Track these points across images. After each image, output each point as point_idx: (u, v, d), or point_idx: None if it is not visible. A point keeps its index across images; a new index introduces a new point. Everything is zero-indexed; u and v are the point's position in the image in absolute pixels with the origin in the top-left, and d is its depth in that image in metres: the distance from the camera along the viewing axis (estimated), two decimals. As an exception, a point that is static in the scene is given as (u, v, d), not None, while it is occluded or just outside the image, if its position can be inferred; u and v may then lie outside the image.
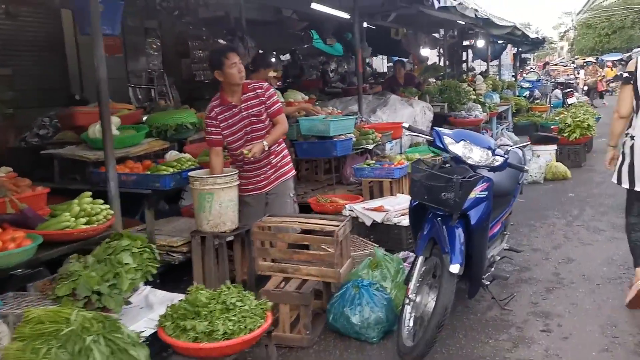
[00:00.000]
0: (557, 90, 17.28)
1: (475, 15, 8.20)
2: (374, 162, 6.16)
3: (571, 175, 8.22)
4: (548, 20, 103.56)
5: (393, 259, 3.93)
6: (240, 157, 4.02)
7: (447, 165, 3.54)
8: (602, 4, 43.48)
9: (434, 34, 15.95)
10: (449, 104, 9.99)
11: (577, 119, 9.04)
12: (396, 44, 12.68)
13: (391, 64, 19.51)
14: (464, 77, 14.32)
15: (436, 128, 3.66)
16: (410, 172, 4.50)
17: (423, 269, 3.37)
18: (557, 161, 8.74)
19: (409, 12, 9.47)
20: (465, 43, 15.21)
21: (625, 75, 3.71)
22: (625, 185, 3.78)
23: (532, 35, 13.96)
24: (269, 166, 4.17)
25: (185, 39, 10.21)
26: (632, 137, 3.70)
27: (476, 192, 3.32)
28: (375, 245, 4.47)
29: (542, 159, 8.14)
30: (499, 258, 4.07)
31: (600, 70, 22.05)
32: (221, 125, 4.06)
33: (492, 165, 3.51)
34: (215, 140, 4.08)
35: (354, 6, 7.49)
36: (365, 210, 4.72)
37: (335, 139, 5.86)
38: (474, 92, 11.19)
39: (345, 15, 7.96)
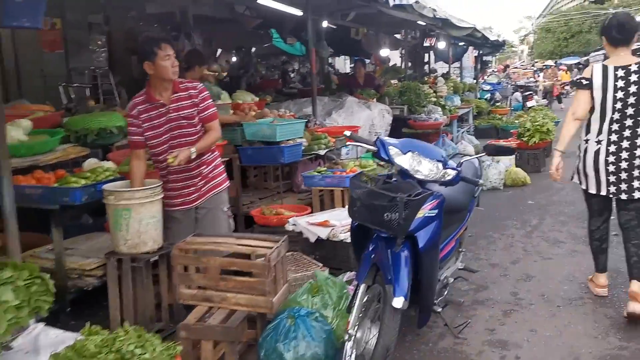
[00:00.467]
0: (517, 93, 17.20)
1: (434, 15, 7.85)
2: (325, 169, 5.71)
3: (531, 181, 7.94)
4: (509, 24, 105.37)
5: (336, 282, 3.49)
6: (164, 164, 3.52)
7: (392, 180, 3.11)
8: (561, 8, 44.18)
9: (395, 35, 15.70)
10: (409, 107, 9.63)
11: (537, 123, 8.80)
12: (357, 44, 12.28)
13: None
14: (426, 79, 14.05)
15: (381, 137, 3.23)
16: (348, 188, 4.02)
17: (366, 297, 2.93)
18: (516, 166, 8.48)
19: (368, 11, 9.07)
20: (427, 44, 14.93)
21: (583, 81, 3.71)
22: (583, 186, 3.93)
23: (493, 38, 13.77)
24: (199, 177, 3.67)
25: (135, 35, 9.60)
26: (587, 141, 3.80)
27: (425, 211, 2.91)
28: (319, 264, 4.02)
29: (501, 165, 7.84)
30: (452, 280, 3.67)
31: (559, 73, 22.11)
32: (144, 125, 3.55)
33: (443, 179, 3.10)
34: (136, 141, 3.58)
35: (307, 3, 7.04)
36: (310, 225, 4.26)
37: (283, 145, 5.39)
38: (434, 94, 10.87)
39: (298, 12, 7.48)
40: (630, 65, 3.55)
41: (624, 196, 3.69)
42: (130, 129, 3.60)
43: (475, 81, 16.85)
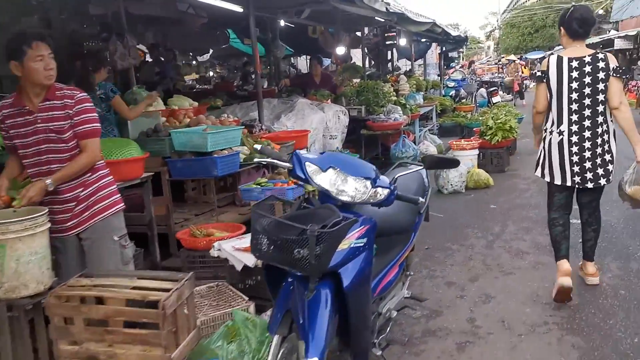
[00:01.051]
0: (482, 89, 16.84)
1: (387, 9, 7.32)
2: (266, 180, 5.12)
3: (494, 182, 7.47)
4: (475, 20, 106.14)
5: (256, 324, 2.90)
6: (36, 179, 2.92)
7: (308, 205, 2.53)
8: (525, 4, 44.33)
9: (357, 33, 15.18)
10: (367, 107, 9.10)
11: (499, 121, 8.35)
12: (315, 43, 11.73)
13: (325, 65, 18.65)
14: (388, 77, 13.56)
15: (297, 151, 2.65)
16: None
17: (281, 351, 2.36)
18: (479, 167, 8.03)
19: (320, 7, 8.54)
20: (389, 42, 14.44)
21: (539, 74, 3.78)
22: (547, 178, 3.88)
23: (454, 33, 13.35)
24: (75, 202, 3.01)
25: (79, 39, 8.92)
26: (551, 132, 3.77)
27: (350, 241, 2.35)
28: (246, 298, 3.43)
29: (462, 166, 7.35)
30: (395, 314, 3.12)
31: (523, 68, 21.83)
32: (10, 132, 2.97)
33: (373, 200, 2.54)
34: (8, 146, 3.07)
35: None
36: (235, 250, 3.67)
37: (216, 155, 4.79)
38: (394, 93, 10.36)
39: (238, 9, 6.88)
40: (584, 56, 3.60)
41: (590, 185, 3.70)
42: (1, 132, 3.02)
43: (439, 78, 16.44)
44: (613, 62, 3.59)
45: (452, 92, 16.19)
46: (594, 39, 30.26)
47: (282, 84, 9.04)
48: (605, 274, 4.21)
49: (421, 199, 2.70)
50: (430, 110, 12.26)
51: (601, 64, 3.57)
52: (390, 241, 3.06)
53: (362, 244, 2.40)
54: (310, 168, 2.50)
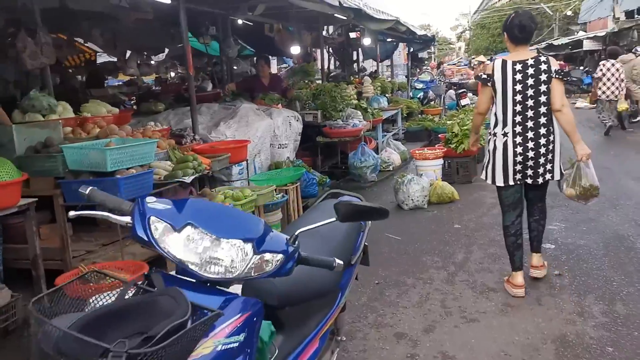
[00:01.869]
0: (451, 90, 16.15)
1: (340, 4, 6.48)
2: (185, 204, 4.22)
3: (459, 197, 6.70)
4: (447, 21, 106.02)
5: None
6: None
7: (152, 287, 1.65)
8: (495, 4, 44.13)
9: (323, 32, 14.35)
10: (324, 112, 8.25)
11: (465, 127, 7.59)
12: (271, 42, 10.85)
13: (284, 65, 17.74)
14: (352, 79, 12.76)
15: (141, 200, 1.76)
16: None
17: None
18: (443, 178, 7.26)
19: (276, 3, 7.72)
20: (353, 37, 13.66)
21: (484, 76, 3.82)
22: (489, 181, 3.99)
23: (420, 32, 12.60)
24: None
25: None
26: (494, 134, 3.85)
27: (216, 341, 1.49)
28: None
29: (424, 179, 6.56)
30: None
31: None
32: None
33: (259, 274, 1.68)
34: None
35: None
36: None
37: (119, 175, 3.88)
38: (354, 96, 9.55)
39: (166, 0, 5.97)
40: (527, 59, 3.69)
41: (529, 180, 3.82)
42: None
43: (406, 79, 15.71)
44: (555, 65, 3.69)
45: (420, 95, 15.46)
46: (563, 40, 30.09)
47: (227, 89, 8.12)
48: (587, 321, 3.44)
49: (338, 261, 1.85)
50: (395, 114, 11.50)
51: (543, 67, 3.67)
52: (305, 309, 2.21)
53: (236, 344, 1.54)
54: (158, 226, 1.63)
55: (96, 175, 3.91)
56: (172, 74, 19.73)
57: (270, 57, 16.42)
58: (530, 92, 3.66)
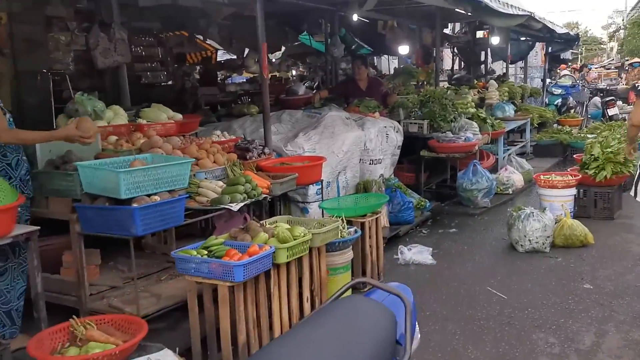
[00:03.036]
0: (596, 98, 13.86)
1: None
2: (222, 241, 3.35)
3: (594, 240, 5.14)
4: (598, 19, 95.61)
5: None
6: None
7: None
8: (658, 0, 38.64)
9: (446, 30, 12.98)
10: (431, 122, 7.02)
11: (609, 150, 5.93)
12: (382, 40, 9.78)
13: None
14: (475, 83, 11.24)
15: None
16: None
17: None
18: (577, 209, 5.74)
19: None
20: (480, 36, 12.12)
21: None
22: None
23: (560, 30, 10.70)
24: None
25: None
26: None
27: None
28: None
29: (548, 215, 5.10)
30: None
31: None
32: None
33: None
34: None
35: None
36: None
37: (136, 205, 3.10)
38: (472, 103, 8.15)
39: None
40: None
41: None
42: None
43: (542, 84, 13.71)
44: None
45: (558, 101, 13.38)
46: None
47: (315, 96, 7.16)
48: None
49: None
50: (523, 125, 9.82)
51: None
52: None
53: None
54: None
55: (114, 200, 3.17)
56: (294, 72, 19.35)
57: (369, 57, 15.29)
58: None
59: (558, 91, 13.68)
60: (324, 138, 5.41)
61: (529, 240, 4.99)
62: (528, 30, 10.22)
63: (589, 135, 9.83)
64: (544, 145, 10.05)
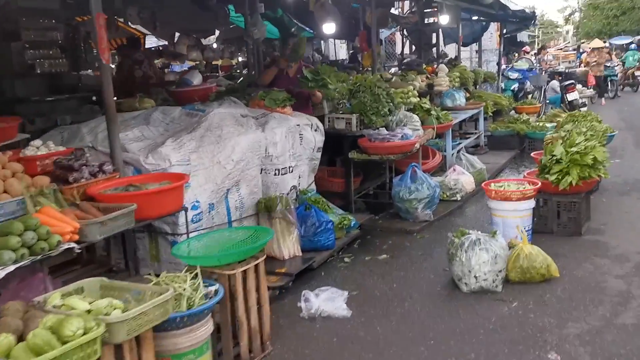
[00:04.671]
0: (554, 81, 12.74)
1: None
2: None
3: (558, 272, 3.86)
4: (554, 2, 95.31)
5: None
6: None
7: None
8: (612, -18, 38.19)
9: (393, 10, 11.62)
10: (361, 116, 5.65)
11: (574, 149, 4.66)
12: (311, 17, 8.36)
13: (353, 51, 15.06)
14: (424, 67, 9.93)
15: None
16: None
17: None
18: (535, 224, 4.47)
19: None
20: (428, 20, 10.80)
21: None
22: None
23: (515, 7, 9.45)
24: None
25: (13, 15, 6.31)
26: None
27: None
28: None
29: (499, 242, 3.78)
30: None
31: (608, 56, 17.01)
32: None
33: None
34: None
35: None
36: None
37: None
38: (413, 92, 6.81)
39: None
40: None
41: None
42: None
43: (497, 68, 12.52)
44: None
45: (515, 86, 12.21)
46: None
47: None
48: None
49: None
50: (475, 115, 8.56)
51: None
52: None
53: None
54: None
55: None
56: (241, 59, 17.56)
57: (314, 41, 13.78)
58: None
59: (514, 75, 12.50)
60: (206, 144, 3.97)
61: (475, 277, 3.68)
62: (479, 7, 8.93)
63: (547, 125, 8.66)
64: (500, 137, 8.81)
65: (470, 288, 3.71)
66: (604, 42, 21.14)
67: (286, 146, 4.60)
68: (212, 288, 2.73)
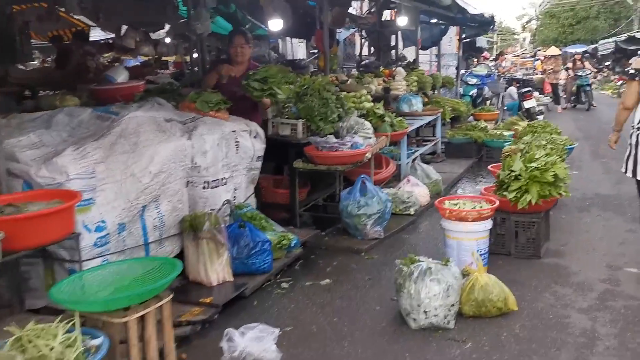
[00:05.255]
0: (512, 87, 12.56)
1: None
2: None
3: (517, 306, 3.43)
4: (513, 10, 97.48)
5: None
6: None
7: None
8: (567, -8, 39.07)
9: (351, 10, 11.18)
10: (308, 122, 5.13)
11: (534, 164, 4.26)
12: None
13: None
14: (380, 71, 9.51)
15: None
16: None
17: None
18: (492, 243, 4.05)
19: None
20: (386, 21, 10.39)
21: (632, 71, 3.85)
22: (629, 174, 3.95)
23: (473, 11, 9.13)
24: None
25: None
26: (639, 129, 3.82)
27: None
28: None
29: (451, 271, 3.32)
30: None
31: (581, 64, 15.91)
32: None
33: None
34: None
35: None
36: None
37: None
38: (367, 97, 6.35)
39: None
40: None
41: None
42: None
43: (457, 73, 12.24)
44: None
45: (473, 92, 11.95)
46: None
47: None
48: None
49: None
50: (433, 121, 8.17)
51: None
52: None
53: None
54: None
55: None
56: (196, 55, 16.67)
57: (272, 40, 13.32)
58: None
59: (473, 81, 12.24)
60: (117, 153, 3.37)
61: (425, 312, 3.20)
62: (437, 10, 8.56)
63: (505, 133, 8.37)
64: (457, 144, 8.47)
65: (419, 324, 3.24)
66: (560, 50, 21.31)
67: (219, 155, 4.04)
68: (94, 342, 2.15)
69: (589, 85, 14.94)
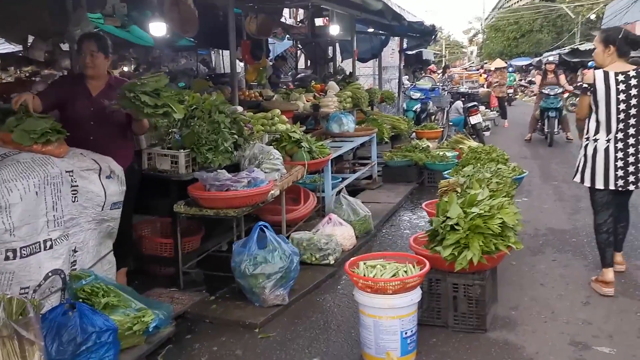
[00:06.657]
0: (458, 102, 11.72)
1: None
2: None
3: None
4: (460, 24, 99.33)
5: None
6: None
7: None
8: (512, 6, 39.47)
9: (285, 19, 10.14)
10: (193, 151, 3.95)
11: (476, 210, 3.20)
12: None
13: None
14: (311, 85, 8.44)
15: None
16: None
17: None
18: (423, 316, 2.95)
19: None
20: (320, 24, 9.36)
21: (585, 86, 3.86)
22: (587, 183, 3.89)
23: (412, 19, 8.20)
24: None
25: None
26: (595, 140, 3.82)
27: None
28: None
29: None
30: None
31: (553, 78, 12.20)
32: None
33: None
34: None
35: None
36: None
37: None
38: (278, 117, 5.22)
39: None
40: (628, 71, 3.72)
41: (631, 187, 3.78)
42: None
43: (398, 87, 11.30)
44: None
45: (417, 107, 11.04)
46: (589, 45, 25.39)
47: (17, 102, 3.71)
48: None
49: None
50: (367, 142, 7.11)
51: None
52: None
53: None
54: None
55: None
56: (126, 69, 15.14)
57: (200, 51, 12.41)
58: (633, 101, 3.68)
59: (417, 95, 11.33)
60: None
61: None
62: (370, 16, 7.57)
63: (448, 154, 7.41)
64: (396, 167, 7.44)
65: None
66: (506, 62, 20.95)
67: (38, 208, 2.80)
68: None
69: (557, 109, 10.17)
